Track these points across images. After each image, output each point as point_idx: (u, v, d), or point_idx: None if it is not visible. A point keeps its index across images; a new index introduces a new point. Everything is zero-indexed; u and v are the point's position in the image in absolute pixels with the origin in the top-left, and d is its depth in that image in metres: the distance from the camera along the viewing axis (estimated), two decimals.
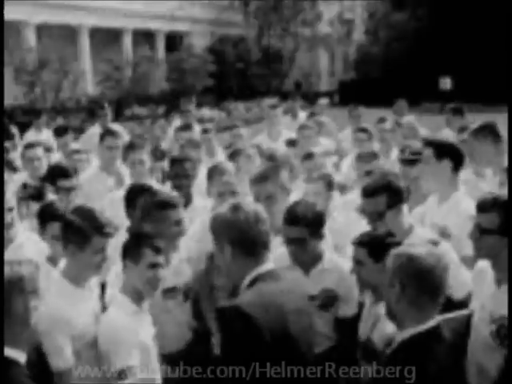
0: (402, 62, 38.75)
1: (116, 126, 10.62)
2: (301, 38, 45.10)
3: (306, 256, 4.52)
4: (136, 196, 5.18)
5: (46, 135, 11.21)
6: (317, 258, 4.56)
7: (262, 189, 5.06)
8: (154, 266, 4.07)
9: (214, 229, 3.35)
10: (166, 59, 34.94)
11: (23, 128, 12.45)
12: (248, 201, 3.43)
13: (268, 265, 3.30)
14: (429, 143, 5.32)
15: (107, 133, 7.48)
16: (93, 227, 4.00)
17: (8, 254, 4.60)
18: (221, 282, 5.07)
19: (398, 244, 3.79)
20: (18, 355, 3.02)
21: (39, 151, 7.49)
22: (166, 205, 4.72)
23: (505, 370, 3.44)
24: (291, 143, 8.24)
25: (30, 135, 11.24)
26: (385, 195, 4.43)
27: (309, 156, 6.87)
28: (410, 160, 6.09)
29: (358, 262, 4.12)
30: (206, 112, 25.85)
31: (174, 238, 4.69)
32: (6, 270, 3.03)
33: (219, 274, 5.03)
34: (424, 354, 3.05)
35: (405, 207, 4.62)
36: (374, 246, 4.02)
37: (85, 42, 33.71)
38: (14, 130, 9.90)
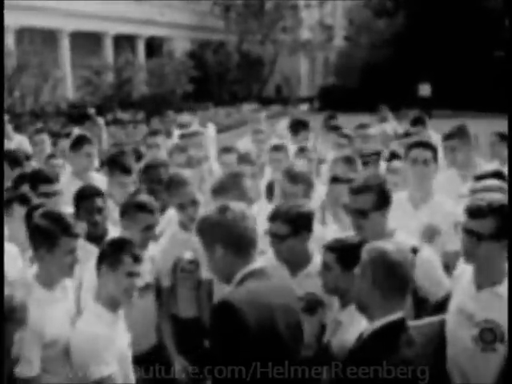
0: (382, 68, 38.93)
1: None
2: (281, 44, 45.16)
3: (290, 255, 4.44)
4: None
5: (18, 141, 10.87)
6: (306, 259, 4.49)
7: (221, 199, 4.86)
8: (132, 274, 4.01)
9: (202, 231, 3.41)
10: (146, 64, 34.82)
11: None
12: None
13: (257, 263, 3.37)
14: (429, 146, 5.46)
15: (84, 140, 7.35)
16: (60, 229, 3.97)
17: None
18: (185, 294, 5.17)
19: None
20: None
21: None
22: (142, 207, 4.82)
23: (504, 370, 3.47)
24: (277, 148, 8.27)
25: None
26: (372, 194, 4.38)
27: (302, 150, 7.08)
28: (364, 162, 6.57)
29: (325, 267, 4.09)
30: (186, 117, 25.73)
31: (144, 241, 4.76)
32: None
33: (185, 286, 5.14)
34: (391, 343, 3.20)
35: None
36: (343, 253, 4.00)
37: (65, 47, 33.54)
38: None
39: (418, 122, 9.44)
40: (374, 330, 3.28)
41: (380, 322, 3.26)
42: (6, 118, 11.61)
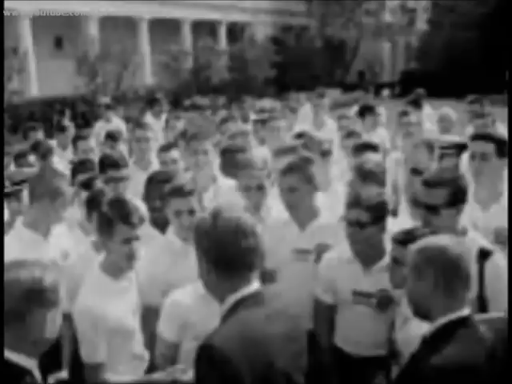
0: (467, 51, 37.86)
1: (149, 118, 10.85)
2: (364, 28, 44.42)
3: (366, 246, 4.30)
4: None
5: (116, 124, 11.53)
6: (380, 253, 4.31)
7: (285, 181, 4.89)
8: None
9: (194, 235, 2.89)
10: (227, 49, 34.84)
11: (84, 118, 12.66)
12: (238, 207, 2.97)
13: (253, 286, 2.84)
14: (490, 138, 5.07)
15: (136, 125, 7.59)
16: (118, 216, 3.93)
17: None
18: None
19: None
20: (31, 364, 2.89)
21: (92, 142, 7.94)
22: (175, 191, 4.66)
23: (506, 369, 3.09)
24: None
25: (100, 126, 11.56)
26: (446, 189, 4.08)
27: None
28: (442, 154, 6.22)
29: (395, 261, 3.91)
30: (267, 103, 25.62)
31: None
32: (26, 273, 2.84)
33: None
34: (457, 342, 2.92)
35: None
36: None
37: (144, 33, 34.00)
38: (68, 122, 9.98)
39: (474, 102, 9.18)
40: (437, 329, 3.03)
41: (443, 320, 3.02)
42: (109, 101, 12.13)
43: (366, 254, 4.34)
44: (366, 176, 5.30)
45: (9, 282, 2.77)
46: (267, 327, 2.73)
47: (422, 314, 3.13)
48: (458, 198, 4.11)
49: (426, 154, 5.99)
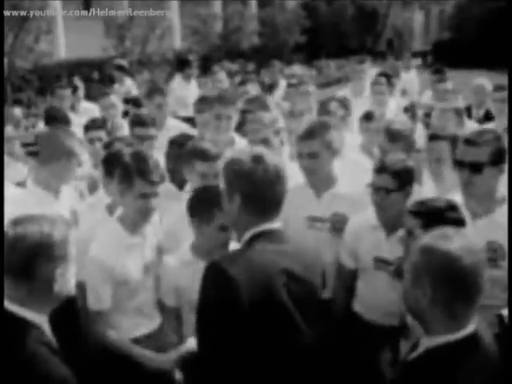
0: (503, 20, 37.03)
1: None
2: None
3: (390, 212, 4.36)
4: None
5: (128, 85, 12.01)
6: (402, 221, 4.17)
7: (306, 145, 4.85)
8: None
9: (227, 174, 3.09)
10: (257, 14, 34.44)
11: (112, 80, 12.66)
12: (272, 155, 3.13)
13: (275, 223, 3.08)
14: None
15: (155, 91, 7.62)
16: (137, 170, 3.98)
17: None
18: None
19: (459, 221, 3.53)
20: (40, 319, 2.91)
21: (113, 99, 8.21)
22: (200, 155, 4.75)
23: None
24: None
25: (116, 88, 11.76)
26: (489, 147, 4.05)
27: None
28: None
29: (408, 233, 3.81)
30: (296, 69, 25.35)
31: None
32: (34, 228, 2.84)
33: None
34: (454, 366, 2.51)
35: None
36: (429, 218, 3.65)
37: None
38: (78, 82, 10.13)
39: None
40: (433, 347, 2.61)
41: (442, 339, 2.59)
42: (123, 63, 12.22)
43: (391, 220, 4.39)
44: (394, 136, 5.39)
45: (17, 236, 2.79)
46: (275, 261, 2.92)
47: (417, 318, 2.73)
48: (500, 156, 4.07)
49: (455, 120, 5.92)
